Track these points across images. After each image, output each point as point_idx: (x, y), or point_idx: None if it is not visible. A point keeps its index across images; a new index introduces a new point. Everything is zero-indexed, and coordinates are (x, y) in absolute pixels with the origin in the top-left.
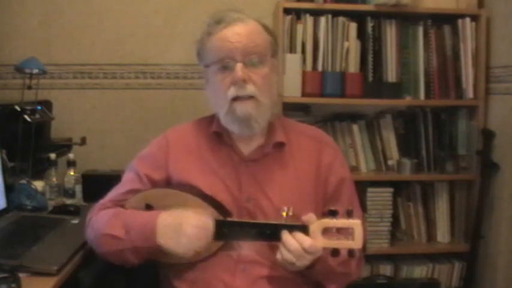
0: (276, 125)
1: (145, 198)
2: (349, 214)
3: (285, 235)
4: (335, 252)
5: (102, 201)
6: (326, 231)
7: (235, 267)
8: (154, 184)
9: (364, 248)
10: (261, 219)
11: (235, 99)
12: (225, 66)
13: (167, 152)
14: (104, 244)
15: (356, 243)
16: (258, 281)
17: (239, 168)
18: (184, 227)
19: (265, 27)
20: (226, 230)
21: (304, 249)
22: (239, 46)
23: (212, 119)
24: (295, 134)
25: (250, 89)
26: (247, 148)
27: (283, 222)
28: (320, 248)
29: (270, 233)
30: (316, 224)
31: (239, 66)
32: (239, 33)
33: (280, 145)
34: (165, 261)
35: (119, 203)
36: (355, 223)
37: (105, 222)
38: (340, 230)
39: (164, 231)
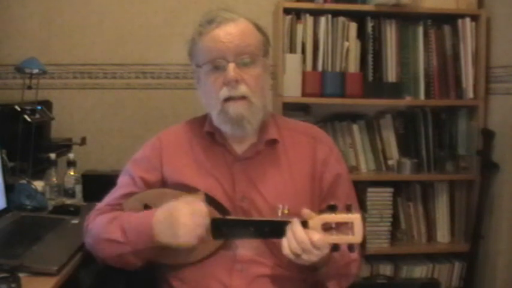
0: (268, 122)
1: (143, 199)
2: (348, 209)
3: (296, 225)
4: (335, 247)
5: (98, 207)
6: (325, 227)
7: (232, 267)
8: (149, 186)
9: (364, 247)
10: (256, 218)
11: (228, 99)
12: (217, 67)
13: (161, 153)
14: (104, 249)
15: (356, 237)
16: (256, 281)
17: (233, 167)
18: (178, 219)
19: (257, 27)
20: (224, 229)
21: (313, 243)
22: (231, 46)
23: (204, 119)
24: (288, 131)
25: (242, 89)
26: (240, 147)
27: (281, 218)
28: (327, 243)
29: (268, 230)
30: (315, 219)
31: (231, 66)
32: (231, 33)
33: (273, 142)
34: (168, 262)
35: (116, 207)
36: (355, 217)
37: (103, 227)
38: (339, 227)
39: (160, 228)
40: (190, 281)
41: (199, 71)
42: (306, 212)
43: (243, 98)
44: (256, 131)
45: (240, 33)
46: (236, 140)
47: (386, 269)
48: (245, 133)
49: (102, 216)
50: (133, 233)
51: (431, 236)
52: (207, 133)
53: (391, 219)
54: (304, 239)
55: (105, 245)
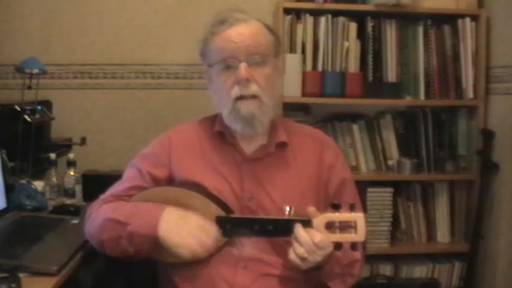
0: (278, 125)
1: (147, 197)
2: (351, 208)
3: (298, 228)
4: (338, 245)
5: (103, 197)
6: (329, 226)
7: (236, 264)
8: (156, 182)
9: (364, 248)
10: (260, 216)
11: (239, 98)
12: (229, 66)
13: (170, 151)
14: (105, 230)
15: (359, 235)
16: (260, 279)
17: (241, 167)
18: (188, 222)
19: (268, 28)
20: (229, 226)
21: (315, 244)
22: (242, 46)
23: (214, 118)
24: (296, 134)
25: (253, 88)
26: (249, 147)
27: (285, 217)
28: (330, 242)
29: (272, 229)
30: (319, 218)
31: (243, 65)
32: (243, 33)
33: (282, 145)
34: (171, 261)
35: (120, 199)
36: (358, 216)
37: (109, 211)
38: (343, 226)
39: (167, 222)
40: (194, 278)
41: (211, 71)
42: (311, 210)
43: (254, 97)
44: (266, 132)
45: (251, 34)
46: (245, 140)
47: (386, 269)
48: (255, 132)
49: (107, 205)
50: (139, 215)
51: (431, 236)
52: (217, 133)
53: (391, 219)
54: (308, 242)
55: (108, 225)
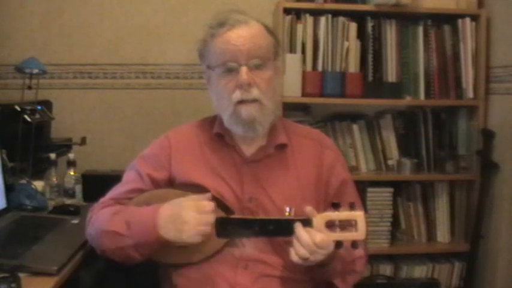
0: (277, 126)
1: (147, 200)
2: (351, 206)
3: (298, 228)
4: (338, 244)
5: (102, 200)
6: (329, 225)
7: (237, 265)
8: (156, 184)
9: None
10: (260, 217)
11: (240, 102)
12: (229, 69)
13: (169, 152)
14: (105, 241)
15: (359, 234)
16: (260, 279)
17: (241, 168)
18: (183, 216)
19: (268, 30)
20: (230, 227)
21: (316, 244)
22: (243, 49)
23: (214, 120)
24: (296, 135)
25: (254, 92)
26: (249, 149)
27: (285, 217)
28: (331, 241)
29: (273, 229)
30: (319, 217)
31: (244, 69)
32: (243, 36)
33: (282, 146)
34: (172, 262)
35: (120, 202)
36: (358, 215)
37: (106, 219)
38: (343, 224)
39: (165, 223)
40: (195, 278)
41: (211, 73)
42: (308, 209)
43: (255, 100)
44: (266, 133)
45: (251, 36)
46: (245, 142)
47: (386, 269)
48: (256, 135)
49: (106, 209)
50: (136, 226)
51: (431, 236)
52: (216, 134)
53: (391, 219)
54: (308, 242)
55: (107, 237)
